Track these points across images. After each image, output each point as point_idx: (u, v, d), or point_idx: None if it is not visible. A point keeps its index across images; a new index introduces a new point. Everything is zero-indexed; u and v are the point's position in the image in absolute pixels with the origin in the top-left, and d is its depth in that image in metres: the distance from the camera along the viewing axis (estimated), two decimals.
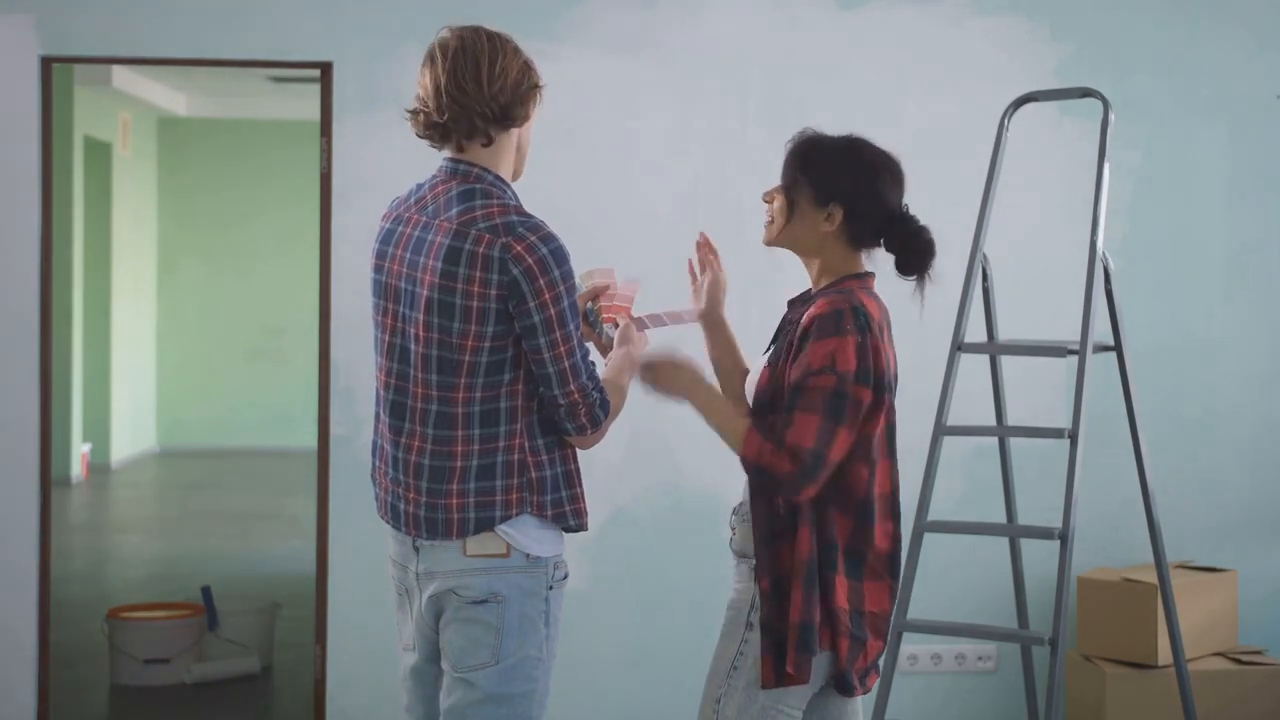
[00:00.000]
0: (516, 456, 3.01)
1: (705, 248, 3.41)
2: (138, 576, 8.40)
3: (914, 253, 3.11)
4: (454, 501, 2.99)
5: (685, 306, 3.44)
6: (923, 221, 3.13)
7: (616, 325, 3.28)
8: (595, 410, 3.02)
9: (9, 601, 5.15)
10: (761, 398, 3.10)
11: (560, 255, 2.95)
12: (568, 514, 3.06)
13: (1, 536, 5.15)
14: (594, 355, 3.15)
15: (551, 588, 3.04)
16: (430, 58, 3.04)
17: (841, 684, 3.06)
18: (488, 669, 3.00)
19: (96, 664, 6.35)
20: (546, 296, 2.93)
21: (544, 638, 3.04)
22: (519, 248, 2.92)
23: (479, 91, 2.99)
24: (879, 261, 3.18)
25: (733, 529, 3.17)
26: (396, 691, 3.26)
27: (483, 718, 3.01)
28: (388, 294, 3.07)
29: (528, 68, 3.08)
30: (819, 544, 3.00)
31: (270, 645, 6.47)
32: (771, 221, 3.17)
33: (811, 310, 3.04)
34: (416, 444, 3.03)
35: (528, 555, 3.00)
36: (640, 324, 3.33)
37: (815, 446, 2.93)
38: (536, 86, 3.08)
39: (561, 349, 2.96)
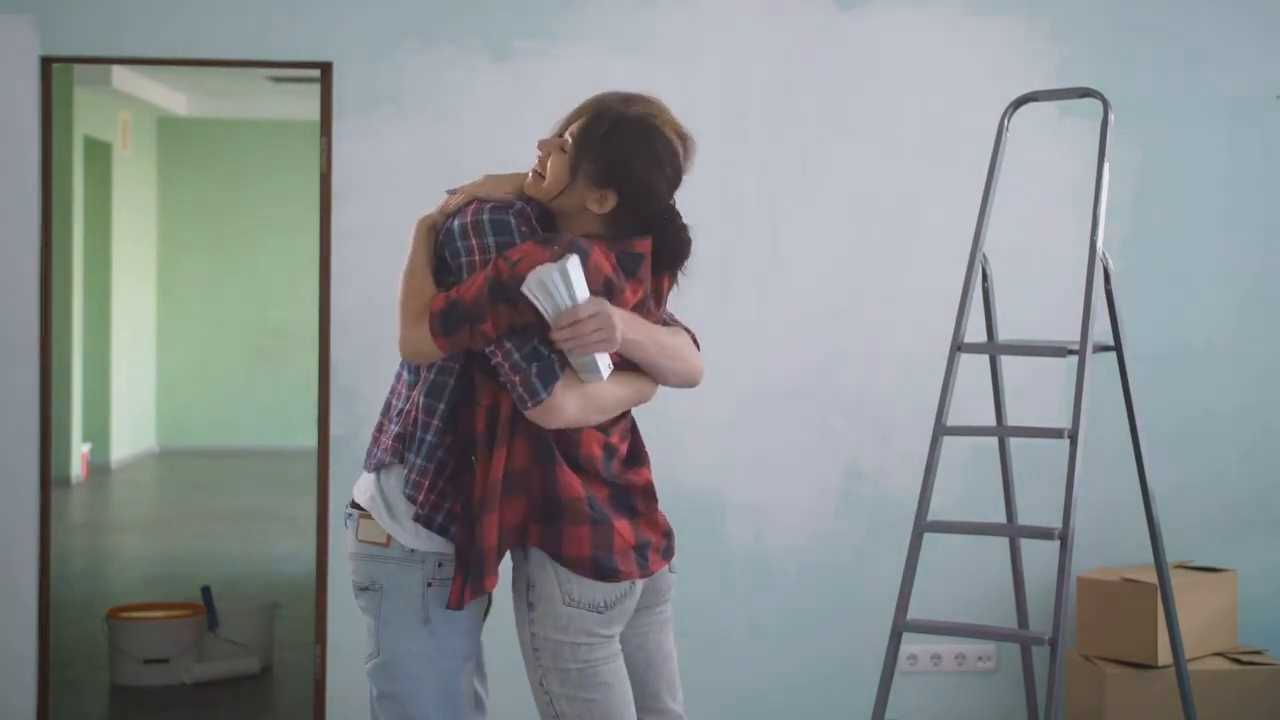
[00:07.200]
0: (415, 416, 3.05)
1: None
2: (138, 576, 8.41)
3: (673, 249, 3.07)
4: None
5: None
6: (685, 220, 3.09)
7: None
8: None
9: (8, 601, 5.15)
10: None
11: (499, 226, 2.93)
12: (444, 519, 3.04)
13: (1, 536, 5.15)
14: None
15: (430, 584, 3.00)
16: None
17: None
18: (374, 661, 3.03)
19: (96, 664, 6.35)
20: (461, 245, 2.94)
21: (426, 635, 2.99)
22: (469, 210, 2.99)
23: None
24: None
25: None
26: None
27: (384, 715, 3.03)
28: None
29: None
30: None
31: (270, 645, 6.46)
32: (542, 176, 3.04)
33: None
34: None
35: (405, 548, 3.00)
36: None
37: None
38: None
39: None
